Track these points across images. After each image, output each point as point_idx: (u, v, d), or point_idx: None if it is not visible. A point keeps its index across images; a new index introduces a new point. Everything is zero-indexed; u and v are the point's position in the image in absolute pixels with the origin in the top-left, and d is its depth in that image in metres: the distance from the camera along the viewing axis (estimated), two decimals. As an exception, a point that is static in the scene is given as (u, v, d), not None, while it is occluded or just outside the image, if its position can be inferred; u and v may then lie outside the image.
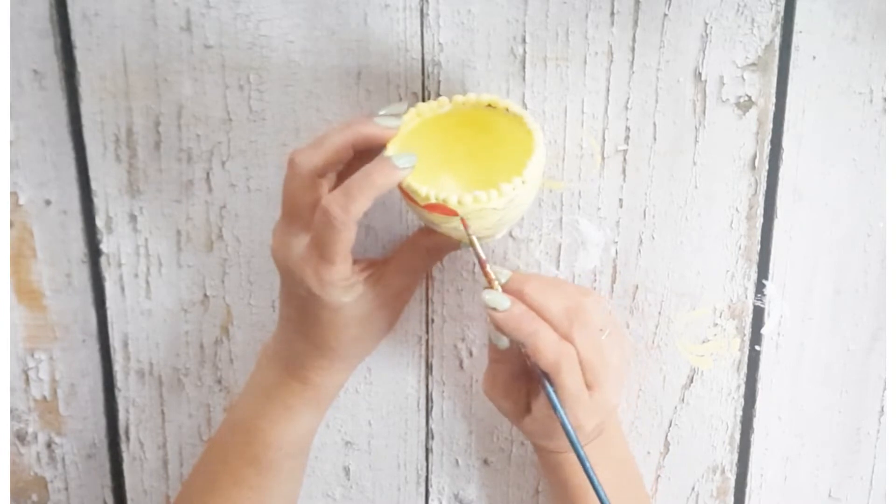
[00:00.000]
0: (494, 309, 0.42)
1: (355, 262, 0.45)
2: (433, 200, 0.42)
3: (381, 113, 0.44)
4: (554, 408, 0.43)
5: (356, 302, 0.45)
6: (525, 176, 0.42)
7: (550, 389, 0.43)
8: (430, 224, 0.44)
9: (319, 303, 0.44)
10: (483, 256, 0.43)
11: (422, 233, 0.48)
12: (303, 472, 0.51)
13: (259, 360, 0.49)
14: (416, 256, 0.48)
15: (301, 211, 0.43)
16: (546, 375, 0.43)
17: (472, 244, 0.43)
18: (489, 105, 0.44)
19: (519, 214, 0.45)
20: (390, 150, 0.43)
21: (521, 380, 0.46)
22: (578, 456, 0.43)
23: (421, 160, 0.43)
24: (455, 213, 0.42)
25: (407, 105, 0.45)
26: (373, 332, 0.48)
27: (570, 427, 0.43)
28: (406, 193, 0.43)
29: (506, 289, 0.43)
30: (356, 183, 0.41)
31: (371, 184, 0.41)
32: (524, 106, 0.48)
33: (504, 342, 0.45)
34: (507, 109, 0.44)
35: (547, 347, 0.42)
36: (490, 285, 0.43)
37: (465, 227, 0.42)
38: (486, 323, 0.51)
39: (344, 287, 0.44)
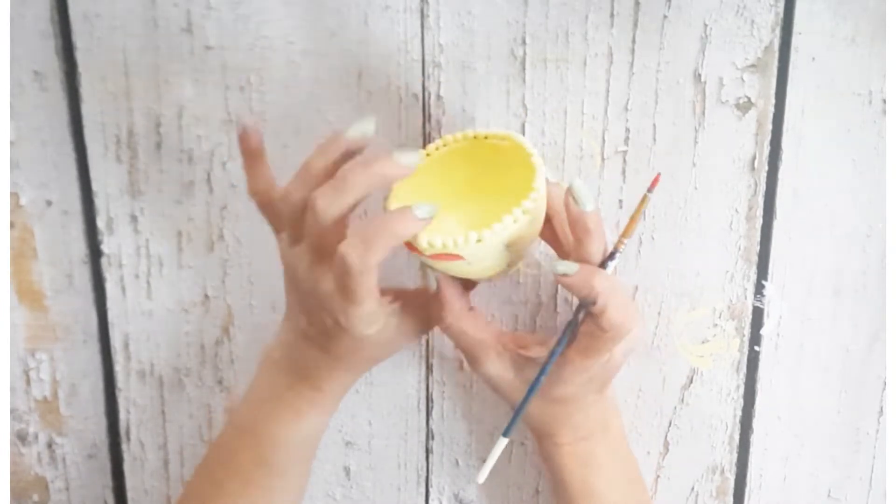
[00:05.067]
0: (565, 275, 0.42)
1: (384, 292, 0.44)
2: (439, 250, 0.41)
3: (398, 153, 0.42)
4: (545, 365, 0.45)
5: (380, 331, 0.44)
6: (523, 208, 0.41)
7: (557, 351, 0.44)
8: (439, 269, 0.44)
9: (343, 332, 0.43)
10: None
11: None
12: (309, 473, 0.51)
13: (263, 364, 0.49)
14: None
15: (327, 250, 0.42)
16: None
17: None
18: (486, 137, 0.43)
19: (532, 238, 0.44)
20: (393, 203, 0.42)
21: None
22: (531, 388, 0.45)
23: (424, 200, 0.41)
24: (458, 257, 0.41)
25: (419, 150, 0.43)
26: (392, 349, 0.48)
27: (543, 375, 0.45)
28: (408, 244, 0.42)
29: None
30: (374, 231, 0.40)
31: (391, 234, 0.40)
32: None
33: (432, 283, 0.45)
34: (504, 140, 0.43)
35: (617, 308, 0.42)
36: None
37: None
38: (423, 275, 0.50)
39: (370, 322, 0.43)
